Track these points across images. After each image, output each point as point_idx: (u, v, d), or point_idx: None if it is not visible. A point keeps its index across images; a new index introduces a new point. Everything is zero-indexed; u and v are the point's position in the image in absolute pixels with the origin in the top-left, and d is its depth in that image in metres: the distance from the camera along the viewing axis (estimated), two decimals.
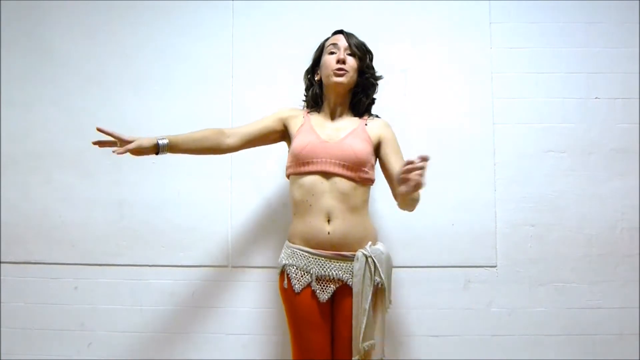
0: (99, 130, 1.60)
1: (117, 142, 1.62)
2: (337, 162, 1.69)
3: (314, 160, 1.70)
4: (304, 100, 1.92)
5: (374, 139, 1.77)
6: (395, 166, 1.70)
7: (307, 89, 1.90)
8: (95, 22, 2.24)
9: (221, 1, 2.24)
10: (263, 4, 2.23)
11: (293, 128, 1.82)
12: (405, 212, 1.72)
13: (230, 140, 1.79)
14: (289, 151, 1.82)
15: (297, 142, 1.75)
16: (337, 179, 1.69)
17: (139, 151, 1.62)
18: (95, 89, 2.22)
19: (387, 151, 1.77)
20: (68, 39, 2.24)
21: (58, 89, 2.23)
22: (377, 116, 1.88)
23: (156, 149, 1.65)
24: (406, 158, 1.50)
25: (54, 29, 2.24)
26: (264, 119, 1.85)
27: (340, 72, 1.74)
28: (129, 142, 1.60)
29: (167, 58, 2.23)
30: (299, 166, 1.73)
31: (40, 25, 2.25)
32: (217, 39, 2.23)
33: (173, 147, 1.68)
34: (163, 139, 1.66)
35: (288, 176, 1.81)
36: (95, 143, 1.64)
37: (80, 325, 2.16)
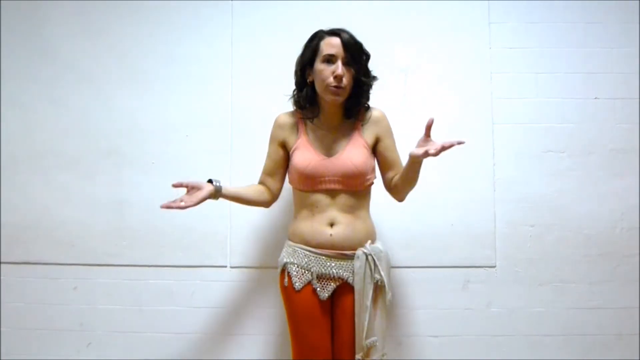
0: (175, 186, 1.65)
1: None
2: (340, 179, 1.69)
3: (317, 179, 1.70)
4: (293, 97, 1.81)
5: (371, 140, 1.76)
6: (392, 160, 1.79)
7: (297, 85, 1.79)
8: (95, 22, 2.24)
9: (221, 1, 2.24)
10: (263, 4, 2.23)
11: (290, 142, 1.78)
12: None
13: (269, 194, 1.83)
14: (290, 163, 1.78)
15: (297, 161, 1.73)
16: (341, 195, 1.71)
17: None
18: (95, 89, 2.23)
19: (383, 147, 1.78)
20: (68, 39, 2.24)
21: (58, 89, 2.23)
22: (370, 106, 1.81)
23: (215, 193, 1.68)
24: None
25: (54, 29, 2.25)
26: (271, 153, 1.82)
27: (337, 89, 1.66)
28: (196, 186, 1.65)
29: (167, 58, 2.23)
30: (302, 185, 1.73)
31: (40, 25, 2.25)
32: (217, 39, 2.23)
33: (225, 191, 1.71)
34: (217, 181, 1.70)
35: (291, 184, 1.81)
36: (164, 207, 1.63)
37: (79, 325, 2.16)
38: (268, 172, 1.83)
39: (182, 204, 1.61)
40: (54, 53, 2.24)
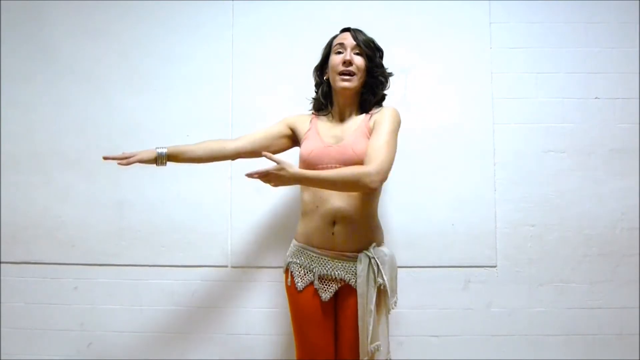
0: (105, 158, 1.73)
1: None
2: (340, 165, 1.66)
3: (319, 166, 1.69)
4: (313, 98, 1.88)
5: (372, 129, 1.72)
6: (370, 145, 1.64)
7: (316, 86, 1.87)
8: (95, 23, 2.24)
9: (221, 1, 2.24)
10: (263, 4, 2.23)
11: (301, 132, 1.82)
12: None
13: (236, 143, 1.83)
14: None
15: (303, 148, 1.76)
16: None
17: (141, 162, 1.74)
18: (95, 89, 2.22)
19: (372, 132, 1.69)
20: (68, 39, 2.24)
21: (58, 89, 2.23)
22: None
23: (155, 160, 1.73)
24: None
25: (54, 29, 2.24)
26: (270, 126, 1.87)
27: (346, 75, 1.71)
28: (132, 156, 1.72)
29: (167, 58, 2.23)
30: None
31: (40, 26, 2.25)
32: (217, 39, 2.23)
33: (174, 156, 1.75)
34: (162, 148, 1.74)
35: None
36: (105, 158, 1.74)
37: (80, 325, 2.16)
38: (251, 134, 1.84)
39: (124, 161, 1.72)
40: (54, 53, 2.24)
